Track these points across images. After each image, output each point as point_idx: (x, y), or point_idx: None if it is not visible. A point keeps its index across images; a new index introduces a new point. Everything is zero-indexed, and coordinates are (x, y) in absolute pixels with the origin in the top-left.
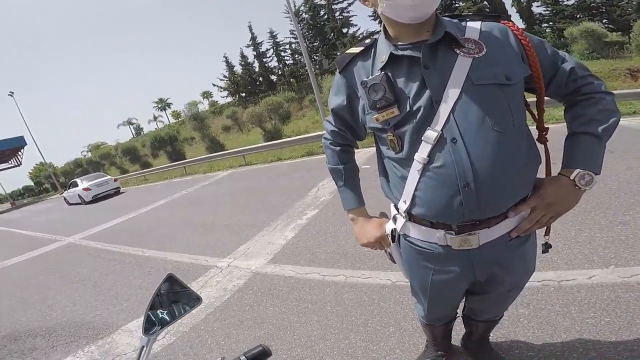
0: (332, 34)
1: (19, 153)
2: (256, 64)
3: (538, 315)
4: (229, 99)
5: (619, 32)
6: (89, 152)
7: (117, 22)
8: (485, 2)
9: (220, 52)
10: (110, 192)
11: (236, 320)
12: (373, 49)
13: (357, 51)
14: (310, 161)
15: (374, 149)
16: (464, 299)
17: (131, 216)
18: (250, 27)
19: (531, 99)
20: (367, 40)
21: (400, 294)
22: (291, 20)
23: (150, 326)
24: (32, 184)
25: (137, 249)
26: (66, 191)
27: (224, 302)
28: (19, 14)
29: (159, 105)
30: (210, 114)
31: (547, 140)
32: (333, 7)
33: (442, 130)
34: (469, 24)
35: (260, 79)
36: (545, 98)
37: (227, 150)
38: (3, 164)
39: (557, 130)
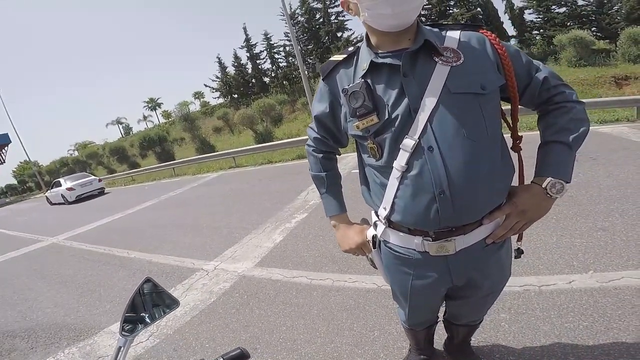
0: (326, 38)
1: (3, 151)
2: (249, 66)
3: (519, 319)
4: (221, 100)
5: (607, 40)
6: (76, 151)
7: (109, 21)
8: (478, 10)
9: (213, 53)
10: (94, 193)
11: (222, 323)
12: (356, 57)
13: (340, 59)
14: (300, 164)
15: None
16: (444, 304)
17: (117, 217)
18: (244, 29)
19: (506, 107)
20: (351, 48)
21: (386, 298)
22: (286, 23)
23: (127, 327)
24: (15, 182)
25: (122, 250)
26: (49, 191)
27: (210, 305)
28: (8, 10)
29: (149, 105)
30: (201, 115)
31: (521, 149)
32: (329, 10)
33: (419, 138)
34: (449, 33)
35: (253, 80)
36: (520, 107)
37: (217, 151)
38: None
39: (532, 138)
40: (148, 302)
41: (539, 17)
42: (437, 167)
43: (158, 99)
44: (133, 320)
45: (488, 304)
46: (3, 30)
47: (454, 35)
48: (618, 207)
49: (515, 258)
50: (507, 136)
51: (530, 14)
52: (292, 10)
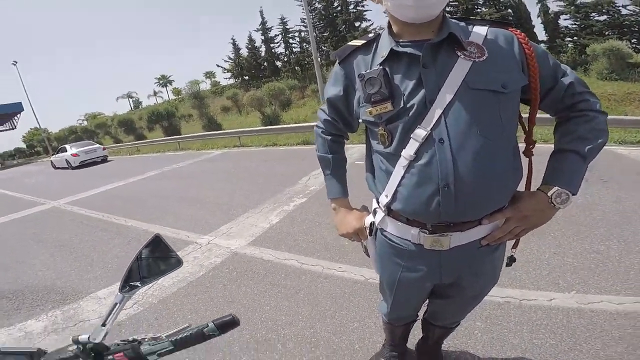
0: (343, 26)
1: (15, 118)
2: (263, 49)
3: (492, 329)
4: (232, 81)
5: None
6: (86, 121)
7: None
8: (509, 11)
9: (228, 35)
10: (97, 160)
11: (207, 296)
12: (375, 44)
13: (359, 44)
14: (305, 150)
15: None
16: (426, 303)
17: (119, 185)
18: (261, 12)
19: (524, 114)
20: (370, 35)
21: (371, 292)
22: (303, 9)
23: (127, 284)
24: (24, 146)
25: (120, 217)
26: (54, 155)
27: (198, 278)
28: None
29: (161, 82)
30: (210, 94)
31: (533, 154)
32: None
33: (431, 130)
34: (475, 28)
35: (265, 63)
36: (538, 114)
37: (224, 130)
38: None
39: (542, 150)
40: (152, 260)
41: (575, 24)
42: (446, 160)
43: (170, 76)
44: (134, 278)
45: (470, 307)
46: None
47: (480, 31)
48: (618, 232)
49: (506, 265)
50: (521, 145)
51: (565, 19)
52: None
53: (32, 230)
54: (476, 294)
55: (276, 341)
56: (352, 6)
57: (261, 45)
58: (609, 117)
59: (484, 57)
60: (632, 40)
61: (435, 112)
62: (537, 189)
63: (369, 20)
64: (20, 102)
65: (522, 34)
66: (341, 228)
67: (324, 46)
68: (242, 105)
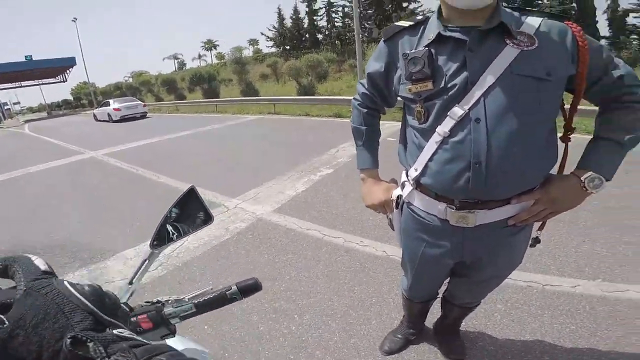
0: (390, 5)
1: (67, 71)
2: (306, 20)
3: (512, 313)
4: (273, 50)
5: None
6: (131, 79)
7: None
8: (573, 5)
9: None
10: (137, 115)
11: (229, 262)
12: (423, 27)
13: (407, 25)
14: (336, 122)
15: (400, 124)
16: (446, 281)
17: (154, 141)
18: None
19: (567, 103)
20: (419, 17)
21: (391, 268)
22: None
23: (158, 240)
24: (71, 98)
25: (152, 173)
26: (97, 108)
27: (223, 242)
28: None
29: (206, 46)
30: (252, 60)
31: (570, 140)
32: None
33: (469, 109)
34: (529, 19)
35: (307, 35)
36: (582, 106)
37: (260, 96)
38: (50, 79)
39: (582, 141)
40: (184, 215)
41: None
42: (479, 139)
43: (216, 41)
44: (165, 233)
45: (489, 288)
46: None
47: (533, 22)
48: None
49: (530, 246)
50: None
51: (635, 17)
52: None
53: (70, 179)
54: (497, 275)
55: (294, 312)
56: None
57: (304, 17)
58: None
59: (534, 47)
60: None
61: (475, 93)
62: (571, 172)
63: (418, 1)
64: (74, 57)
65: (578, 27)
66: (368, 199)
67: (367, 23)
68: (280, 73)
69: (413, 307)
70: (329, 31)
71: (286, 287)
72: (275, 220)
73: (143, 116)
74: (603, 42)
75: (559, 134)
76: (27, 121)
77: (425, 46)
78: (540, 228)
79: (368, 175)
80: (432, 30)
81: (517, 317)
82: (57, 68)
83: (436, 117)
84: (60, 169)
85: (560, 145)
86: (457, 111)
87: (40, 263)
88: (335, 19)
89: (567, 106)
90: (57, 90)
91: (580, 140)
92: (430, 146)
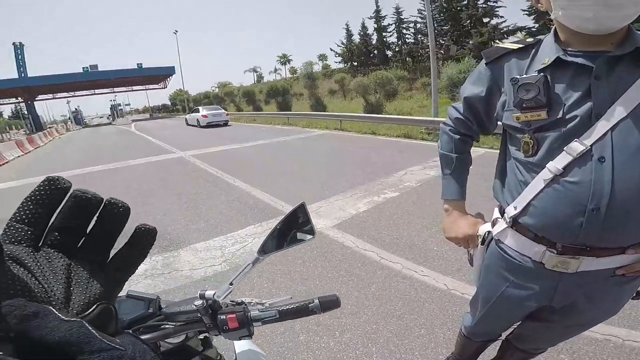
0: (468, 21)
1: (168, 79)
2: (375, 37)
3: None
4: (341, 66)
5: None
6: (217, 89)
7: None
8: None
9: (343, 20)
10: (220, 123)
11: (285, 269)
12: (534, 50)
13: (515, 47)
14: (404, 143)
15: (482, 151)
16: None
17: (235, 147)
18: (376, 0)
19: None
20: (530, 40)
21: (450, 303)
22: (422, 0)
23: (265, 247)
24: (168, 103)
25: (230, 177)
26: (188, 114)
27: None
28: None
29: (281, 60)
30: (321, 76)
31: None
32: None
33: (591, 145)
34: None
35: (375, 51)
36: None
37: (327, 112)
38: (154, 85)
39: None
40: (291, 227)
41: None
42: (602, 181)
43: (290, 55)
44: (272, 241)
45: (569, 336)
46: None
47: None
48: None
49: (632, 299)
50: None
51: None
52: None
53: (162, 174)
54: (585, 323)
55: (335, 328)
56: (481, 1)
57: (373, 33)
58: None
59: None
60: None
61: (600, 127)
62: None
63: (501, 16)
64: (174, 67)
65: None
66: (450, 231)
67: (442, 39)
68: (347, 90)
69: (469, 346)
70: (399, 48)
71: None
72: (334, 236)
73: (226, 124)
74: None
75: None
76: (134, 120)
77: (539, 71)
78: None
79: (453, 207)
80: (548, 53)
81: None
82: (159, 76)
83: (548, 151)
84: (154, 164)
85: None
86: (576, 147)
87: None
88: (407, 35)
89: None
90: (159, 95)
91: None
92: (537, 183)
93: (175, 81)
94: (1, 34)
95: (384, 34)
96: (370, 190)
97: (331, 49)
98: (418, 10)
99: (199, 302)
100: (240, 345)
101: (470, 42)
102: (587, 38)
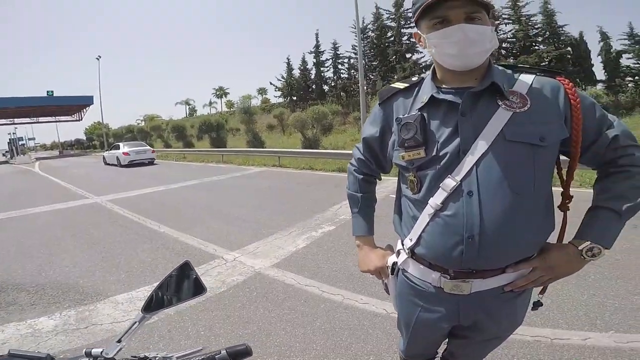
0: (394, 57)
1: (84, 110)
2: (313, 71)
3: None
4: (280, 100)
5: None
6: (143, 122)
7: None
8: (568, 49)
9: (284, 54)
10: (145, 161)
11: (224, 314)
12: (417, 88)
13: (402, 87)
14: (340, 177)
15: None
16: (446, 341)
17: (159, 189)
18: (316, 35)
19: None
20: (414, 78)
21: (391, 326)
22: (356, 36)
23: (151, 305)
24: (84, 137)
25: (154, 223)
26: (107, 151)
27: (218, 294)
28: None
29: (217, 93)
30: (259, 110)
31: (569, 209)
32: (402, 30)
33: (461, 181)
34: (522, 76)
35: (314, 86)
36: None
37: (266, 147)
38: (67, 117)
39: (583, 197)
40: (178, 284)
41: (638, 63)
42: (472, 213)
43: (227, 88)
44: (158, 299)
45: (489, 349)
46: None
47: (526, 79)
48: None
49: (532, 309)
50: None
51: (628, 58)
52: (365, 24)
53: (70, 223)
54: (494, 337)
55: None
56: (405, 37)
57: (312, 68)
58: None
59: (526, 108)
60: None
61: (467, 162)
62: (569, 241)
63: (421, 52)
64: (92, 96)
65: (570, 83)
66: (363, 265)
67: (372, 75)
68: (286, 125)
69: None
70: (335, 82)
71: (280, 342)
72: (274, 275)
73: (151, 162)
74: (600, 86)
75: (558, 201)
76: (38, 159)
77: (419, 109)
78: (542, 292)
79: (364, 242)
80: (426, 92)
81: None
82: (74, 106)
83: (428, 188)
84: (63, 211)
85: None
86: (449, 183)
87: None
88: (342, 70)
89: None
90: (72, 129)
91: (581, 196)
92: (424, 218)
93: (93, 113)
94: None
95: (322, 68)
96: (308, 226)
97: (271, 83)
98: (352, 45)
99: None
100: None
101: (395, 77)
102: (457, 75)
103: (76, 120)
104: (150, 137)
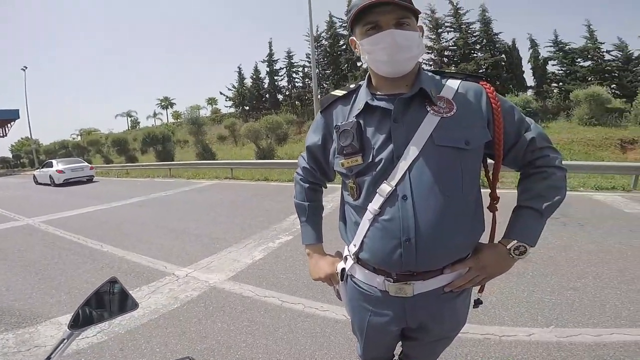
0: (346, 65)
1: (8, 125)
2: (267, 80)
3: None
4: (232, 110)
5: (624, 99)
6: (79, 136)
7: (135, 16)
8: (502, 56)
9: (235, 62)
10: (83, 179)
11: (179, 330)
12: (355, 95)
13: (340, 94)
14: None
15: None
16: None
17: (100, 208)
18: (270, 43)
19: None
20: (352, 85)
21: (352, 332)
22: (309, 44)
23: (77, 322)
24: (10, 156)
25: (96, 242)
26: (38, 170)
27: (171, 310)
28: None
29: (162, 104)
30: (209, 121)
31: (497, 209)
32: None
33: (396, 186)
34: (449, 82)
35: (267, 95)
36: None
37: (217, 159)
38: None
39: (510, 197)
40: (107, 301)
41: (562, 70)
42: (407, 217)
43: (173, 99)
44: (85, 316)
45: (439, 348)
46: (37, 13)
47: (453, 84)
48: (593, 270)
49: (473, 307)
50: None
51: (553, 65)
52: (318, 32)
53: (0, 247)
54: (442, 337)
55: None
56: None
57: (265, 77)
58: (587, 163)
59: (452, 113)
60: (612, 86)
61: (401, 168)
62: (498, 242)
63: None
64: (18, 110)
65: (491, 87)
66: (314, 273)
67: (326, 83)
68: (238, 135)
69: None
70: (289, 91)
71: (242, 354)
72: (230, 288)
73: (90, 180)
74: (530, 92)
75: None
76: None
77: (355, 116)
78: (480, 291)
79: (313, 250)
80: (362, 99)
81: None
82: None
83: (367, 193)
84: None
85: (488, 213)
86: (385, 188)
87: None
88: (296, 79)
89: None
90: None
91: (509, 196)
92: (364, 224)
93: (20, 128)
94: None
95: (275, 77)
96: (265, 237)
97: (221, 93)
98: (306, 54)
99: None
100: None
101: (332, 92)
102: (389, 82)
103: (0, 137)
104: (88, 152)
